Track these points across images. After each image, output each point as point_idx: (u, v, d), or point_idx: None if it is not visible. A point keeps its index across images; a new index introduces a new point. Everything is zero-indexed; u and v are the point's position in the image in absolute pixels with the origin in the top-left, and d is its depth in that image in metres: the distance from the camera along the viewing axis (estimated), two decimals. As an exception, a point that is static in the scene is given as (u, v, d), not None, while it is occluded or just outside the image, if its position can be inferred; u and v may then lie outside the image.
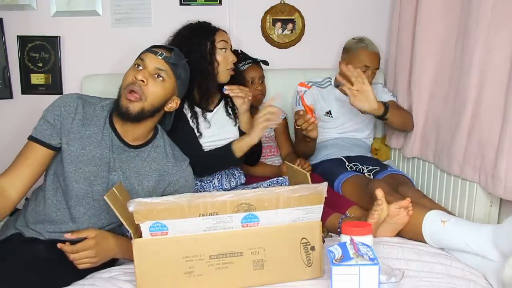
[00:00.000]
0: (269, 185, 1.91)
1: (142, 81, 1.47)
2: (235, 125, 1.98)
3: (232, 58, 1.91)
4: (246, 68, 2.21)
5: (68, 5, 2.37)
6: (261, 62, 2.31)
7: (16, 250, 1.46)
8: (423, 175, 2.22)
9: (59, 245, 1.35)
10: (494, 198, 1.83)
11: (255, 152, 2.01)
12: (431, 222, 1.59)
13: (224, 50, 1.90)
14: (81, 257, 1.36)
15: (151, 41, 2.29)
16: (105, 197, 1.26)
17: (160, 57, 1.52)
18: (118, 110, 1.50)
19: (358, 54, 2.23)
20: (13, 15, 2.33)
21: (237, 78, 1.99)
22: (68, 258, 1.36)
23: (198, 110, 1.94)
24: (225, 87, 1.87)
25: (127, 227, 1.26)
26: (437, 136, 2.06)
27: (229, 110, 1.99)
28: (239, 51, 2.26)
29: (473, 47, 1.77)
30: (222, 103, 2.00)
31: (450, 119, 1.94)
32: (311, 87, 2.25)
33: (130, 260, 1.34)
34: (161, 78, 1.51)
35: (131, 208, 1.20)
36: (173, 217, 1.23)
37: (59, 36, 2.38)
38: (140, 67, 1.51)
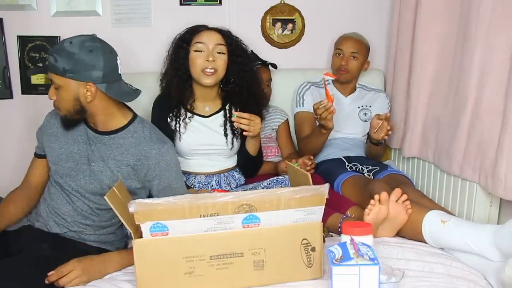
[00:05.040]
0: (269, 184, 1.91)
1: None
2: (231, 148, 1.94)
3: (212, 59, 1.82)
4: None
5: (68, 5, 2.37)
6: (270, 65, 2.31)
7: (22, 245, 1.51)
8: (423, 175, 2.22)
9: (46, 281, 1.38)
10: (494, 198, 1.83)
11: (254, 163, 2.02)
12: (431, 222, 1.59)
13: (197, 51, 1.84)
14: (68, 279, 1.37)
15: (151, 41, 2.31)
16: (105, 197, 1.26)
17: (49, 73, 1.51)
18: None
19: (336, 42, 2.35)
20: (13, 15, 2.33)
21: (247, 79, 1.94)
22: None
23: (182, 112, 1.92)
24: (235, 113, 1.80)
25: (127, 227, 1.26)
26: (436, 136, 2.06)
27: (227, 125, 1.93)
28: (250, 51, 2.26)
29: (473, 48, 1.77)
30: (221, 114, 1.96)
31: (450, 119, 1.94)
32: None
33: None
34: (57, 89, 1.51)
35: (131, 209, 1.20)
36: (173, 218, 1.23)
37: (59, 36, 2.38)
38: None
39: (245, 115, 1.80)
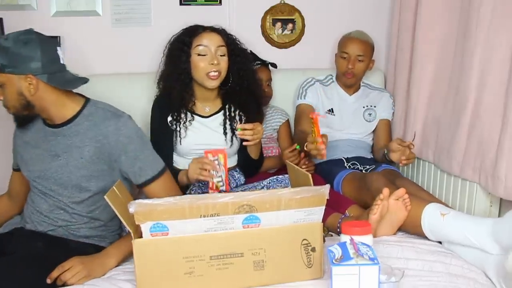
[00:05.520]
0: (269, 183, 1.91)
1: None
2: (230, 146, 1.94)
3: (216, 62, 1.82)
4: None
5: (68, 5, 2.37)
6: (269, 65, 2.30)
7: (16, 246, 1.52)
8: (423, 175, 2.22)
9: (48, 280, 1.39)
10: (494, 198, 1.83)
11: (255, 165, 2.02)
12: (430, 215, 1.60)
13: (200, 55, 1.83)
14: (71, 274, 1.38)
15: (151, 41, 2.31)
16: (105, 197, 1.26)
17: None
18: None
19: (340, 42, 2.29)
20: (13, 15, 2.32)
21: (247, 79, 1.94)
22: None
23: (183, 115, 1.92)
24: (239, 127, 1.80)
25: (127, 227, 1.26)
26: (437, 136, 2.06)
27: (227, 124, 1.94)
28: (249, 51, 2.26)
29: (473, 48, 1.77)
30: (221, 114, 1.97)
31: (450, 119, 1.94)
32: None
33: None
34: (1, 88, 1.50)
35: (131, 209, 1.20)
36: (173, 218, 1.23)
37: (59, 36, 2.38)
38: None
39: (248, 125, 1.79)
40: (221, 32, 1.90)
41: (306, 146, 1.86)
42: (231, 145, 1.95)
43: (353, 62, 2.23)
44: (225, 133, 1.94)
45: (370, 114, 2.34)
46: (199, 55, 1.84)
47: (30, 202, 1.64)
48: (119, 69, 2.42)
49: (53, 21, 2.37)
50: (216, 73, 1.84)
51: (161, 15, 2.43)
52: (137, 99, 2.22)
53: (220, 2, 2.47)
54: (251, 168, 2.05)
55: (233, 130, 1.94)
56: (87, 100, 1.62)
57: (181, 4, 2.45)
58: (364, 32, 2.30)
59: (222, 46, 1.86)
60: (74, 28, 2.40)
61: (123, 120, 1.57)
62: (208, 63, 1.83)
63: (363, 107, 2.34)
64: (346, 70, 2.24)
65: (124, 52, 2.44)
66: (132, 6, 2.41)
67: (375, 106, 2.35)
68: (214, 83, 1.86)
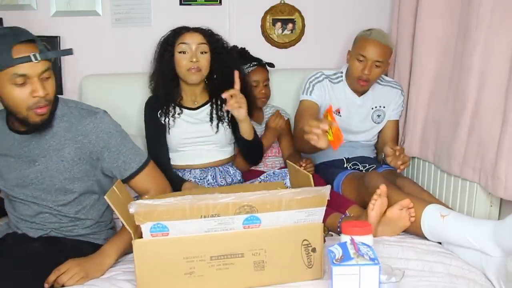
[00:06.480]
0: (266, 177, 1.90)
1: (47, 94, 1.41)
2: (216, 132, 1.98)
3: (195, 60, 1.90)
4: (251, 70, 2.20)
5: (68, 5, 2.37)
6: (266, 64, 2.30)
7: (12, 248, 1.50)
8: (423, 175, 2.22)
9: (46, 285, 1.37)
10: (494, 198, 1.83)
11: (255, 146, 2.04)
12: (430, 216, 1.60)
13: (181, 52, 1.92)
14: (67, 276, 1.36)
15: (151, 41, 2.31)
16: (105, 197, 1.26)
17: (42, 61, 1.38)
18: (26, 124, 1.45)
19: (358, 41, 2.11)
20: (13, 15, 2.32)
21: (230, 74, 1.94)
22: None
23: (171, 108, 1.99)
24: (223, 95, 1.81)
25: (128, 228, 1.26)
26: (437, 136, 2.06)
27: (213, 115, 2.00)
28: (245, 51, 2.25)
29: (473, 49, 1.77)
30: (208, 105, 2.02)
31: (450, 119, 1.94)
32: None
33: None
34: (49, 78, 1.42)
35: (132, 209, 1.20)
36: (174, 218, 1.23)
37: (59, 36, 2.38)
38: (20, 81, 1.37)
39: (231, 91, 1.81)
40: (205, 31, 1.98)
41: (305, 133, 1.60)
42: (216, 131, 1.98)
43: (370, 67, 2.05)
44: (211, 120, 1.99)
45: (379, 116, 2.24)
46: (180, 52, 1.93)
47: (12, 211, 1.60)
48: (119, 69, 2.42)
49: (53, 21, 2.37)
50: (196, 67, 1.92)
51: (161, 15, 2.44)
52: (137, 99, 2.22)
53: (220, 2, 2.47)
54: (252, 153, 2.08)
55: (219, 118, 2.00)
56: (56, 99, 1.54)
57: (181, 4, 2.45)
58: (385, 33, 2.14)
59: (203, 43, 1.94)
60: (73, 28, 2.40)
61: (100, 116, 1.54)
62: (189, 61, 1.91)
63: (372, 108, 2.23)
64: (361, 75, 2.06)
65: (124, 52, 2.44)
66: (132, 6, 2.41)
67: (384, 107, 2.24)
68: (195, 77, 1.94)
